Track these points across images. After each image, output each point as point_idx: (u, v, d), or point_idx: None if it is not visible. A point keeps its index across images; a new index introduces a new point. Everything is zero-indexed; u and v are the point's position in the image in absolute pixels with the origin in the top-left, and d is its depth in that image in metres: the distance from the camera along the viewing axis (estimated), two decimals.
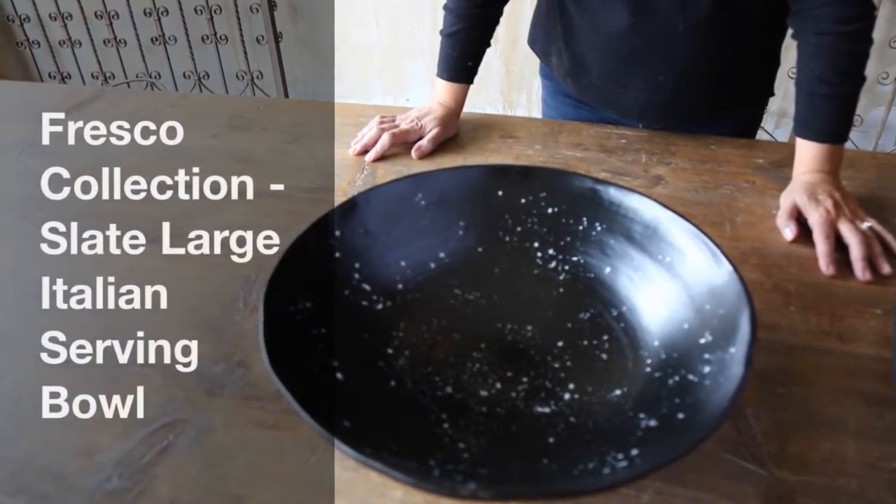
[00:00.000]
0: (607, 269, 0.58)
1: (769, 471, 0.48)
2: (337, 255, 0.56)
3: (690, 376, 0.47)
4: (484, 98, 2.21)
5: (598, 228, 0.58)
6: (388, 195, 0.60)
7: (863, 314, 0.61)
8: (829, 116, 0.72)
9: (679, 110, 0.88)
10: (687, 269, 0.53)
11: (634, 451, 0.42)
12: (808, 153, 0.74)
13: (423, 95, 2.21)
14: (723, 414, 0.41)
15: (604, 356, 0.53)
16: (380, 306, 0.56)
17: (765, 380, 0.55)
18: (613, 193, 0.58)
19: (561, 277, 0.59)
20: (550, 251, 0.60)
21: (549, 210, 0.60)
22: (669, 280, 0.54)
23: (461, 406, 0.49)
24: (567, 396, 0.50)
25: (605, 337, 0.54)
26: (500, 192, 0.61)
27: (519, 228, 0.61)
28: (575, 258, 0.59)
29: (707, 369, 0.46)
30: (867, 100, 1.88)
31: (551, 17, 0.91)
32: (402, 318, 0.56)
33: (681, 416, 0.44)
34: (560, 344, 0.54)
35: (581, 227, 0.59)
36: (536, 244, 0.60)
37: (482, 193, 0.61)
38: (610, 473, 0.40)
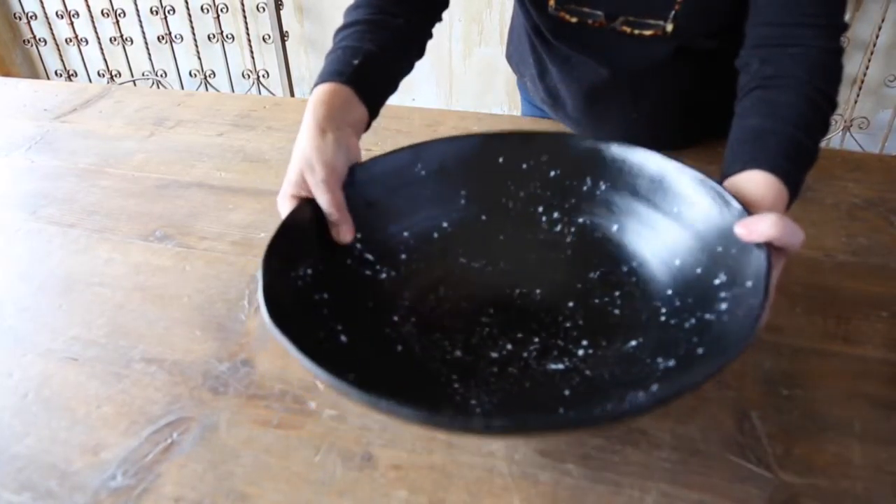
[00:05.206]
0: (615, 227, 0.57)
1: (774, 473, 0.48)
2: None
3: (707, 315, 0.46)
4: (490, 98, 2.21)
5: (603, 187, 0.57)
6: (388, 165, 0.58)
7: (869, 317, 0.61)
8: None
9: (657, 142, 0.88)
10: (696, 216, 0.52)
11: (654, 387, 0.42)
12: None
13: (429, 94, 2.21)
14: (743, 340, 0.40)
15: (616, 311, 0.53)
16: (383, 276, 0.56)
17: (770, 382, 0.55)
18: (616, 150, 0.57)
19: (568, 240, 0.58)
20: (555, 214, 0.59)
21: (552, 173, 0.59)
22: (679, 230, 0.53)
23: (472, 367, 0.49)
24: (581, 352, 0.50)
25: (617, 293, 0.54)
26: (501, 159, 0.59)
27: (522, 194, 0.59)
28: (581, 219, 0.58)
29: (724, 306, 0.45)
30: (874, 102, 1.88)
31: (524, 46, 0.90)
32: (406, 288, 0.55)
33: (700, 351, 0.44)
34: (571, 304, 0.54)
35: (585, 188, 0.58)
36: (541, 209, 0.59)
37: (483, 161, 0.59)
38: (631, 401, 0.40)
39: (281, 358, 0.58)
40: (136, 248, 0.73)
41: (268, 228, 0.75)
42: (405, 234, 0.58)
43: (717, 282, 0.48)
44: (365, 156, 0.62)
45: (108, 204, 0.82)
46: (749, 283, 0.45)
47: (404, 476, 0.48)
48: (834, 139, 1.92)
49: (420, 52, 0.72)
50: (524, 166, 0.59)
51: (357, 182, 0.56)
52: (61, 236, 0.76)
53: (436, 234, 0.58)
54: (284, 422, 0.53)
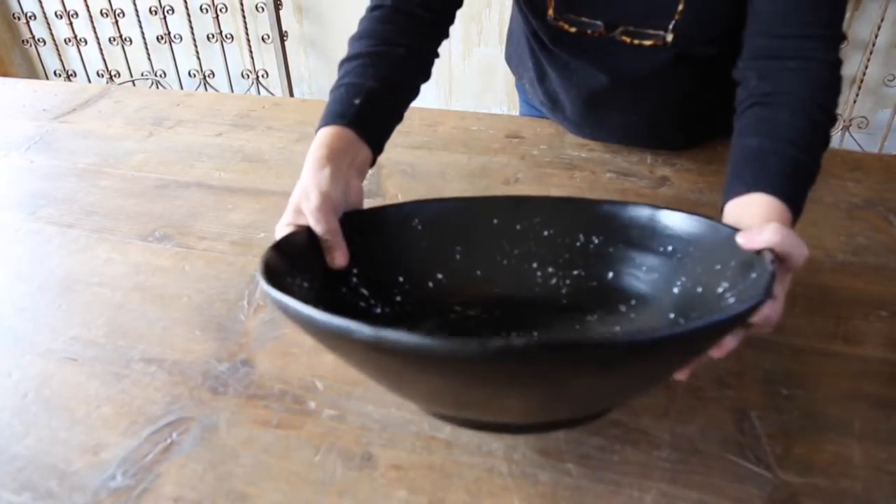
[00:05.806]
0: (610, 274, 0.58)
1: (774, 473, 0.48)
2: None
3: (716, 316, 0.47)
4: (490, 98, 2.21)
5: (596, 241, 0.59)
6: (386, 216, 0.60)
7: (868, 316, 0.61)
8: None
9: (657, 142, 0.89)
10: (689, 247, 0.53)
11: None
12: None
13: (428, 94, 2.21)
14: (764, 293, 0.40)
15: None
16: (378, 311, 0.56)
17: (770, 382, 0.55)
18: (607, 209, 0.58)
19: (563, 291, 0.59)
20: (550, 269, 0.60)
21: (545, 233, 0.61)
22: (675, 264, 0.54)
23: None
24: None
25: (618, 328, 0.55)
26: (495, 220, 0.61)
27: (516, 251, 0.61)
28: (575, 272, 0.60)
29: (731, 301, 0.46)
30: (873, 101, 1.88)
31: (523, 49, 0.90)
32: (402, 324, 0.56)
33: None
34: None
35: (578, 244, 0.59)
36: (535, 265, 0.61)
37: (477, 223, 0.61)
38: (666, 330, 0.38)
39: (281, 358, 0.58)
40: (136, 249, 0.73)
41: (267, 228, 0.76)
42: (400, 279, 0.59)
43: (720, 290, 0.48)
44: None
45: (107, 204, 0.82)
46: (753, 275, 0.45)
47: (404, 476, 0.48)
48: (833, 139, 1.92)
49: (426, 77, 0.71)
50: (518, 227, 0.61)
51: (354, 228, 0.57)
52: (60, 236, 0.76)
53: (431, 284, 0.60)
54: (284, 422, 0.53)
